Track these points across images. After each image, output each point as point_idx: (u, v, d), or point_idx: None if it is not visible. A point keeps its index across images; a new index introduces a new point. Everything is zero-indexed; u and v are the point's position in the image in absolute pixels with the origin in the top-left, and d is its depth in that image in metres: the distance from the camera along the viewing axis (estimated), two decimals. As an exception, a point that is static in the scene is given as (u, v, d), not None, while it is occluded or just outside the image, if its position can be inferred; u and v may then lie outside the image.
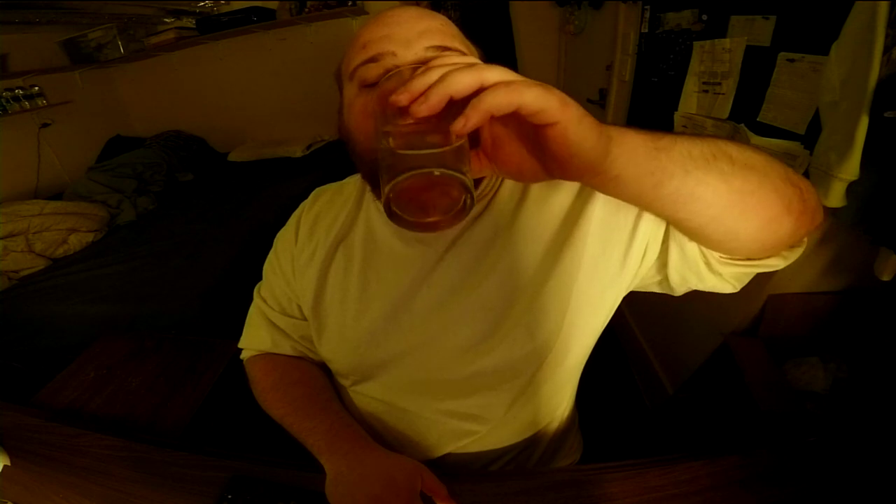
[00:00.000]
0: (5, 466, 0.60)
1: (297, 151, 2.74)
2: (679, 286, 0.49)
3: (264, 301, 0.65)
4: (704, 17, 1.14)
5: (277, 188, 2.27)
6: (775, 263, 0.43)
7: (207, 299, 1.47)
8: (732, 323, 1.10)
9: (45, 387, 1.04)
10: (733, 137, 1.02)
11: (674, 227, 0.44)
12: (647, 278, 0.50)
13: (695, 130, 1.19)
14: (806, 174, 0.78)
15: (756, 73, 0.96)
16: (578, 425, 0.71)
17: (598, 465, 0.55)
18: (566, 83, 2.42)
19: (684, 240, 0.44)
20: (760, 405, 0.91)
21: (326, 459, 0.52)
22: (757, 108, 0.96)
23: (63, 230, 1.91)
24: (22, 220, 1.82)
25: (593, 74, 1.95)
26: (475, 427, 0.55)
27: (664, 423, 1.42)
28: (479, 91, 0.29)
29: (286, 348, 0.65)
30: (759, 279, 0.48)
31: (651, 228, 0.46)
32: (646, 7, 1.43)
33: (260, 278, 0.67)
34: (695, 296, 0.50)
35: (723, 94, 1.08)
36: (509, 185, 0.52)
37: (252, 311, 0.67)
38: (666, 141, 0.34)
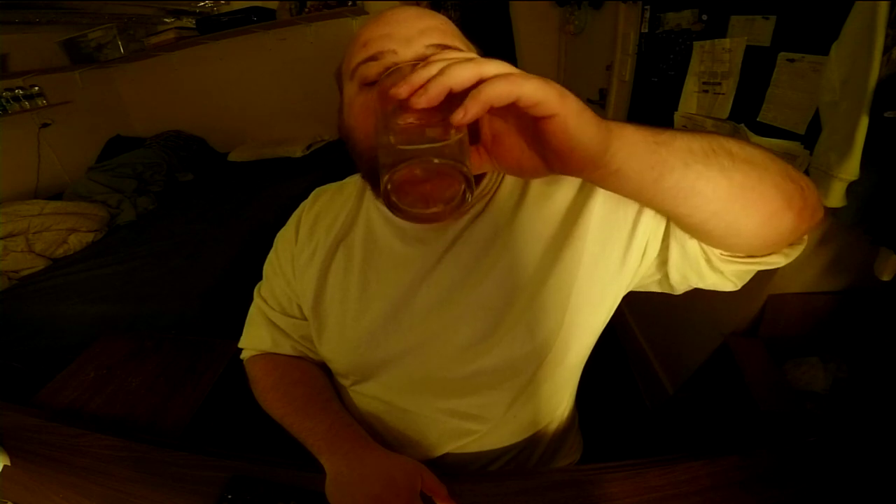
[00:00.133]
0: (5, 466, 0.60)
1: (297, 151, 2.74)
2: (679, 284, 0.49)
3: (264, 301, 0.65)
4: (704, 17, 1.14)
5: (277, 188, 2.27)
6: (777, 261, 0.43)
7: (207, 299, 1.46)
8: (732, 323, 1.10)
9: (45, 387, 1.04)
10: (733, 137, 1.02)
11: (675, 224, 0.44)
12: (647, 277, 0.50)
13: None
14: (806, 174, 0.78)
15: (756, 73, 0.96)
16: (578, 425, 0.71)
17: (598, 465, 0.55)
18: (566, 83, 2.35)
19: (685, 237, 0.44)
20: (760, 405, 0.91)
21: (326, 459, 0.52)
22: (757, 108, 0.96)
23: (63, 230, 1.91)
24: (22, 220, 1.82)
25: (593, 74, 1.95)
26: (475, 426, 0.55)
27: (664, 423, 1.42)
28: (479, 84, 0.29)
29: (286, 348, 0.65)
30: (760, 279, 0.48)
31: (651, 226, 0.46)
32: (646, 7, 1.43)
33: (260, 278, 0.67)
34: (695, 296, 0.50)
35: (723, 94, 1.08)
36: (509, 185, 0.53)
37: (252, 310, 0.67)
38: (665, 135, 0.34)
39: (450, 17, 0.48)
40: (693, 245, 0.44)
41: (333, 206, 0.61)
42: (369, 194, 0.57)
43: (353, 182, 0.62)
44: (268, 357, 0.66)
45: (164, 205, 2.40)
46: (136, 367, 1.10)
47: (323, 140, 2.90)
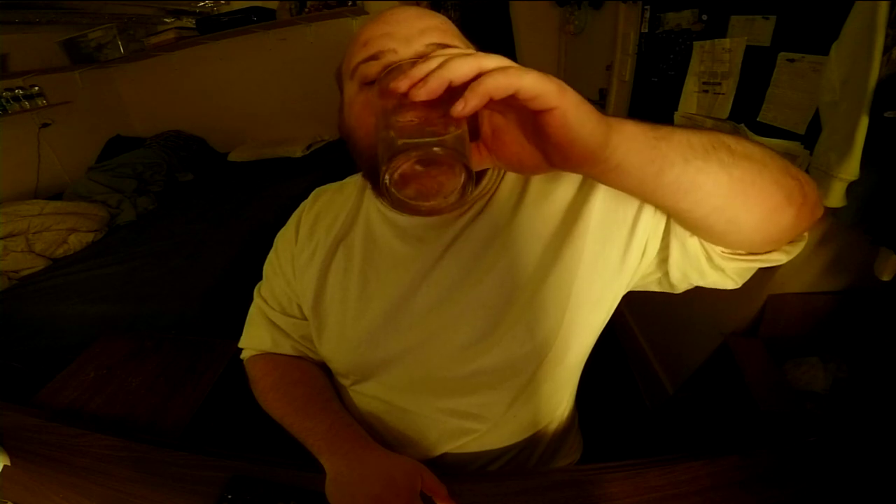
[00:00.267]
0: (5, 466, 0.60)
1: (297, 151, 2.74)
2: (680, 283, 0.49)
3: (264, 301, 0.65)
4: (704, 17, 1.14)
5: (277, 188, 2.27)
6: (777, 258, 0.43)
7: (207, 299, 1.47)
8: (732, 323, 1.10)
9: (45, 387, 1.04)
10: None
11: (677, 221, 0.44)
12: (647, 275, 0.50)
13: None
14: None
15: (756, 73, 0.96)
16: (578, 425, 0.71)
17: (598, 465, 0.55)
18: (566, 83, 2.42)
19: (685, 235, 0.44)
20: (760, 405, 0.91)
21: (326, 459, 0.52)
22: (757, 108, 0.96)
23: (63, 230, 1.91)
24: (22, 220, 1.82)
25: (593, 74, 1.95)
26: (475, 426, 0.55)
27: (664, 423, 1.42)
28: (479, 77, 0.29)
29: (286, 348, 0.65)
30: (760, 279, 0.48)
31: (651, 224, 0.46)
32: (646, 7, 1.43)
33: (260, 278, 0.67)
34: (695, 296, 0.50)
35: (723, 94, 1.08)
36: (509, 184, 0.53)
37: (252, 310, 0.67)
38: (665, 130, 0.34)
39: (450, 17, 0.48)
40: (694, 243, 0.44)
41: (333, 206, 0.61)
42: (369, 194, 0.57)
43: (353, 182, 0.62)
44: (268, 357, 0.66)
45: (164, 205, 2.40)
46: (136, 367, 1.10)
47: (323, 140, 2.91)
